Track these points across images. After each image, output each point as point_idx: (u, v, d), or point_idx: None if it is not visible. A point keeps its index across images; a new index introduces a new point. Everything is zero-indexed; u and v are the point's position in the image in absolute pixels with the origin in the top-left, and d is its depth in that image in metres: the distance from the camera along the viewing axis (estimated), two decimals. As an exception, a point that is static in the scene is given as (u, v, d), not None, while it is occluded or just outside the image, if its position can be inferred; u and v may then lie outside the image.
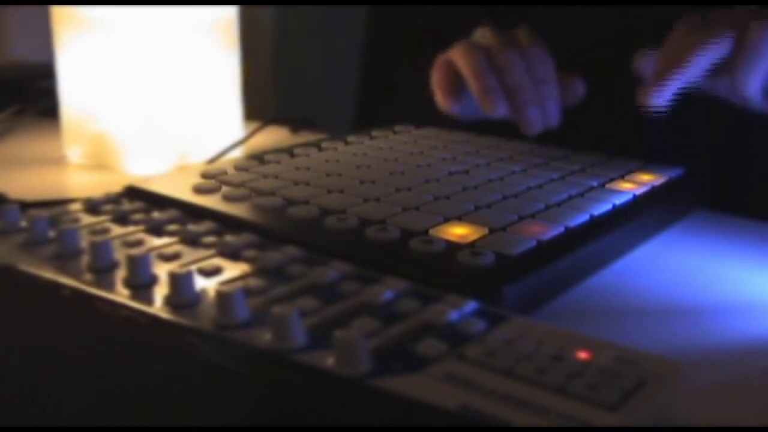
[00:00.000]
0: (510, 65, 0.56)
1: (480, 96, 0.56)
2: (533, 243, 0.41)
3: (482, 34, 0.59)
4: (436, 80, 0.61)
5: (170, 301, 0.35)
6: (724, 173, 0.56)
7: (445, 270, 0.39)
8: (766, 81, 0.48)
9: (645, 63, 0.52)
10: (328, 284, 0.36)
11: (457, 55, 0.59)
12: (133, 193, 0.50)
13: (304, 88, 1.25)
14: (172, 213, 0.46)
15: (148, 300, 0.36)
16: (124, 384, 0.28)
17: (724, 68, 0.49)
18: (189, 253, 0.41)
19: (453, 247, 0.40)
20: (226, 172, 0.54)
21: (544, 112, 0.56)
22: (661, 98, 0.49)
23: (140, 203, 0.48)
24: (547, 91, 0.56)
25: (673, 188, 0.53)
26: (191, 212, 0.46)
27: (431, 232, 0.42)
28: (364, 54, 0.91)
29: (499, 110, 0.55)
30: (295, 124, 0.78)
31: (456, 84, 0.60)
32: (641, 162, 0.56)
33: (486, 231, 0.43)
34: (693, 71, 0.48)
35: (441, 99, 0.61)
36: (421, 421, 0.26)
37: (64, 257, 0.40)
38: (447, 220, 0.44)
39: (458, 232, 0.42)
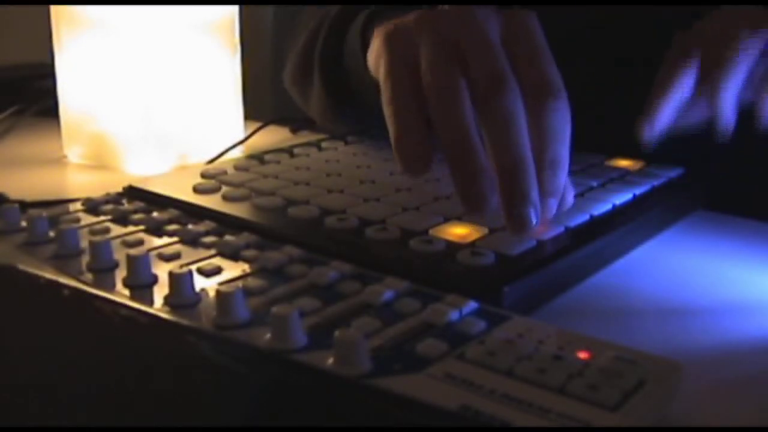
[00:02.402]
0: (505, 125, 0.38)
1: (463, 187, 0.39)
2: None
3: (457, 22, 0.41)
4: (395, 121, 0.42)
5: (170, 301, 0.35)
6: (724, 173, 0.56)
7: (445, 270, 0.39)
8: (738, 98, 0.48)
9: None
10: (328, 284, 0.37)
11: (425, 76, 0.40)
12: (133, 193, 0.50)
13: (304, 88, 1.24)
14: (172, 213, 0.46)
15: (148, 300, 0.36)
16: (124, 384, 0.28)
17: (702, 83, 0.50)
18: (189, 253, 0.41)
19: (453, 247, 0.40)
20: (225, 172, 0.54)
21: (544, 206, 0.40)
22: (651, 132, 0.49)
23: (140, 203, 0.48)
24: (557, 175, 0.40)
25: (673, 188, 0.53)
26: (191, 212, 0.46)
27: (431, 232, 0.42)
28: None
29: (490, 210, 0.39)
30: (295, 124, 0.78)
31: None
32: (641, 162, 0.56)
33: (486, 231, 0.43)
34: (674, 103, 0.49)
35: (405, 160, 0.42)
36: (421, 421, 0.26)
37: (64, 257, 0.40)
38: (447, 220, 0.44)
39: (458, 232, 0.42)
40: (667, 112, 0.49)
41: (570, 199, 0.43)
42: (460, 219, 0.44)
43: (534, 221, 0.38)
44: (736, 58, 0.47)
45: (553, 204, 0.41)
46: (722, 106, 0.48)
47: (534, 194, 0.38)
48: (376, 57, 0.46)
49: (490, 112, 0.39)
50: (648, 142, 0.49)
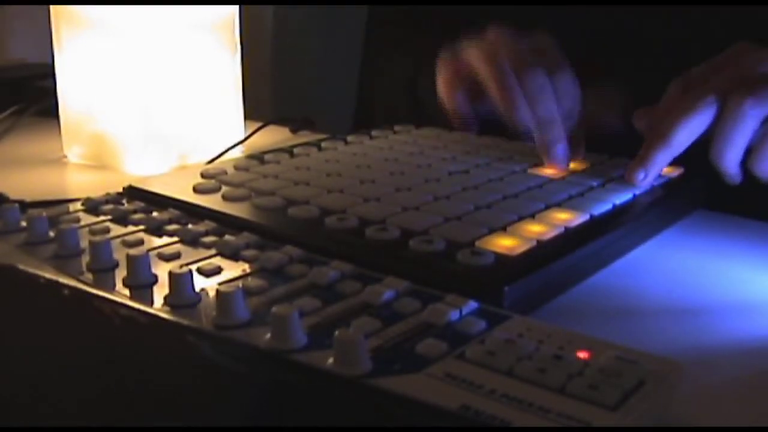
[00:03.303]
0: (539, 94, 0.54)
1: (505, 105, 0.55)
2: (533, 243, 0.41)
3: (498, 39, 0.57)
4: (448, 85, 0.61)
5: (170, 301, 0.35)
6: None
7: (445, 270, 0.39)
8: (743, 153, 0.48)
9: (641, 121, 0.53)
10: (328, 284, 0.37)
11: (475, 61, 0.57)
12: (133, 193, 0.50)
13: (304, 88, 1.25)
14: (172, 213, 0.46)
15: (148, 300, 0.36)
16: (123, 384, 0.28)
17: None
18: (189, 253, 0.41)
19: (453, 247, 0.40)
20: (225, 172, 0.54)
21: (572, 147, 0.55)
22: (646, 177, 0.50)
23: (140, 203, 0.48)
24: (575, 126, 0.55)
25: (673, 188, 0.53)
26: (191, 212, 0.46)
27: (431, 232, 0.42)
28: (363, 54, 0.91)
29: (526, 120, 0.54)
30: (295, 124, 0.78)
31: (471, 90, 0.59)
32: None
33: (485, 230, 0.43)
34: (676, 148, 0.49)
35: (450, 105, 0.61)
36: (421, 421, 0.26)
37: (64, 257, 0.40)
38: (447, 220, 0.44)
39: (458, 232, 0.42)
40: (664, 161, 0.50)
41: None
42: (460, 219, 0.44)
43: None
44: (745, 117, 0.47)
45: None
46: (724, 162, 0.48)
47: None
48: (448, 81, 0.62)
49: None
50: (639, 187, 0.50)
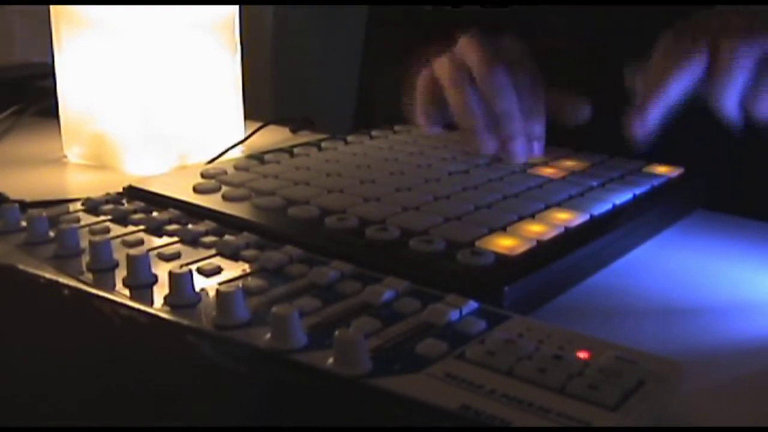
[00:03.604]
0: (498, 91, 0.55)
1: (464, 128, 0.56)
2: (533, 243, 0.41)
3: (467, 48, 0.57)
4: (419, 97, 0.61)
5: (170, 301, 0.35)
6: (724, 173, 0.56)
7: (445, 270, 0.39)
8: (741, 95, 0.48)
9: (632, 81, 0.53)
10: (328, 284, 0.37)
11: (442, 77, 0.58)
12: (133, 193, 0.50)
13: (304, 88, 1.25)
14: (172, 213, 0.46)
15: (148, 300, 0.36)
16: (123, 384, 0.28)
17: (703, 81, 0.49)
18: (189, 253, 0.41)
19: (453, 247, 0.40)
20: (225, 172, 0.54)
21: (530, 143, 0.56)
22: (644, 127, 0.50)
23: (140, 203, 0.48)
24: (535, 122, 0.56)
25: (673, 188, 0.53)
26: (191, 212, 0.46)
27: (431, 232, 0.42)
28: (363, 54, 0.91)
29: (488, 150, 0.56)
30: (295, 124, 0.78)
31: (439, 102, 0.60)
32: (641, 162, 0.56)
33: (485, 230, 0.43)
34: (670, 96, 0.49)
35: (420, 115, 0.62)
36: (421, 421, 0.26)
37: (64, 257, 0.40)
38: (447, 220, 0.44)
39: (458, 232, 0.42)
40: (661, 109, 0.49)
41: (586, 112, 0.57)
42: (460, 219, 0.44)
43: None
44: (738, 61, 0.47)
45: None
46: (728, 108, 0.48)
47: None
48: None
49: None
50: (638, 139, 0.50)
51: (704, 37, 0.49)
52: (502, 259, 0.39)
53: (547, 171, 0.54)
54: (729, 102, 0.48)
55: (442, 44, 0.60)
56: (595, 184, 0.51)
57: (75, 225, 0.43)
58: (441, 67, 0.58)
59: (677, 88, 0.49)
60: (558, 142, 0.59)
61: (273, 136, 0.75)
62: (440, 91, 0.59)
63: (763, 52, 0.48)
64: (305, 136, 0.75)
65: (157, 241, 0.43)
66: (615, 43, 0.62)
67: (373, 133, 0.66)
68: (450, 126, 0.64)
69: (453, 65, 0.57)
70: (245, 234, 0.42)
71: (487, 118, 0.56)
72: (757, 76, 0.48)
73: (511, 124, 0.55)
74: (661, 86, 0.49)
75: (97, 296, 0.34)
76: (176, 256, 0.40)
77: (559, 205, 0.47)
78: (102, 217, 0.46)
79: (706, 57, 0.49)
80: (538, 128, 0.57)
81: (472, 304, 0.34)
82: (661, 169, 0.55)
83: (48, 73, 0.70)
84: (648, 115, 0.49)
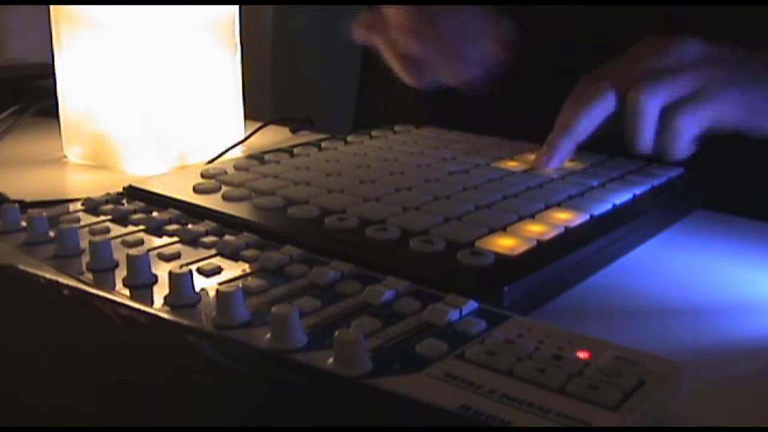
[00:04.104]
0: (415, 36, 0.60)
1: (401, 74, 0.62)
2: (533, 243, 0.41)
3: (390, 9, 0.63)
4: (389, 60, 0.66)
5: (170, 301, 0.35)
6: (724, 173, 0.56)
7: (445, 270, 0.39)
8: (653, 137, 0.50)
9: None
10: (328, 284, 0.37)
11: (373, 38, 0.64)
12: (133, 193, 0.50)
13: (304, 88, 1.25)
14: (172, 213, 0.46)
15: (148, 300, 0.36)
16: (123, 384, 0.28)
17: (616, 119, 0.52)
18: (189, 253, 0.41)
19: (453, 247, 0.40)
20: (225, 172, 0.54)
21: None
22: (552, 164, 0.54)
23: (140, 203, 0.48)
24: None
25: (673, 188, 0.53)
26: (191, 212, 0.46)
27: (431, 231, 0.42)
28: (363, 54, 0.91)
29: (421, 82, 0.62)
30: (295, 124, 0.78)
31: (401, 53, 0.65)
32: (641, 162, 0.56)
33: (485, 230, 0.43)
34: (579, 136, 0.53)
35: (406, 78, 0.65)
36: (421, 421, 0.26)
37: (64, 257, 0.40)
38: (447, 220, 0.44)
39: (458, 231, 0.42)
40: (569, 149, 0.53)
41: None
42: (459, 219, 0.44)
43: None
44: (645, 104, 0.49)
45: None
46: (642, 148, 0.51)
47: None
48: None
49: None
50: (542, 171, 0.53)
51: (615, 80, 0.51)
52: (502, 259, 0.39)
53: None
54: (640, 146, 0.51)
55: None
56: (595, 184, 0.51)
57: (75, 225, 0.43)
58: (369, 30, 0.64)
59: (584, 127, 0.52)
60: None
61: (273, 136, 0.75)
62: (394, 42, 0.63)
63: (668, 98, 0.49)
64: (305, 136, 0.75)
65: (157, 241, 0.43)
66: (614, 43, 0.62)
67: (373, 133, 0.66)
68: (450, 126, 0.64)
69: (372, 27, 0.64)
70: (245, 234, 0.42)
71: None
72: (667, 121, 0.50)
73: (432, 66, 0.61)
74: (571, 127, 0.52)
75: (97, 296, 0.34)
76: (176, 256, 0.40)
77: (559, 205, 0.47)
78: (102, 217, 0.46)
79: (614, 99, 0.51)
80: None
81: (472, 304, 0.34)
82: (661, 169, 0.55)
83: (48, 73, 0.70)
84: (555, 153, 0.53)
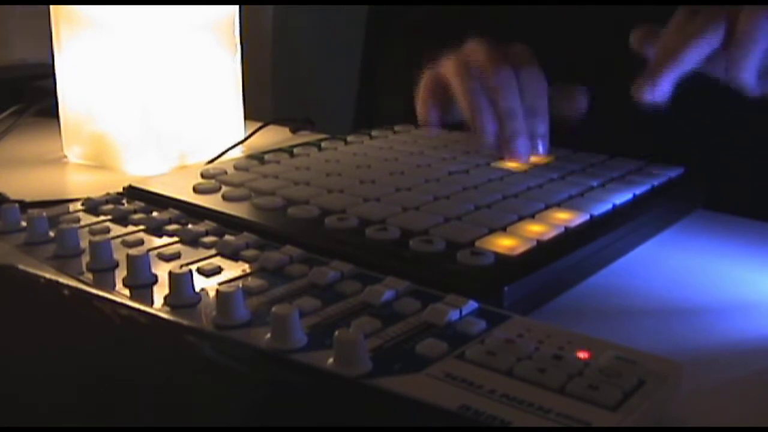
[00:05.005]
0: (502, 89, 0.55)
1: (471, 117, 0.56)
2: (533, 243, 0.41)
3: (474, 49, 0.58)
4: (423, 94, 0.61)
5: (170, 301, 0.35)
6: (724, 173, 0.56)
7: (445, 270, 0.39)
8: (761, 65, 0.47)
9: (641, 44, 0.53)
10: (328, 284, 0.37)
11: (448, 74, 0.58)
12: (133, 193, 0.50)
13: (304, 88, 1.25)
14: (172, 213, 0.46)
15: (148, 300, 0.36)
16: (124, 384, 0.28)
17: (718, 54, 0.49)
18: (189, 253, 0.41)
19: (453, 247, 0.40)
20: (225, 172, 0.54)
21: (533, 141, 0.56)
22: (655, 94, 0.49)
23: (140, 203, 0.48)
24: (539, 121, 0.56)
25: (673, 188, 0.53)
26: (191, 212, 0.46)
27: (431, 231, 0.42)
28: (363, 54, 0.91)
29: (489, 130, 0.55)
30: (295, 124, 0.78)
31: (442, 101, 0.60)
32: (641, 162, 0.56)
33: (485, 230, 0.43)
34: (686, 64, 0.49)
35: (422, 112, 0.61)
36: (421, 421, 0.26)
37: (64, 257, 0.40)
38: (447, 220, 0.44)
39: (458, 231, 0.42)
40: (673, 78, 0.49)
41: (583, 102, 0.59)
42: (459, 219, 0.44)
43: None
44: (758, 31, 0.47)
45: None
46: (743, 76, 0.47)
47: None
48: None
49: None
50: (646, 105, 0.49)
51: (724, 10, 0.48)
52: (502, 259, 0.39)
53: (547, 170, 0.54)
54: (747, 73, 0.47)
55: (445, 44, 0.60)
56: (595, 184, 0.51)
57: (75, 225, 0.43)
58: (447, 65, 0.58)
59: (693, 57, 0.48)
60: (558, 142, 0.59)
61: (273, 136, 0.75)
62: (444, 90, 0.59)
63: None
64: (305, 136, 0.75)
65: (157, 241, 0.43)
66: (614, 43, 0.62)
67: (373, 133, 0.66)
68: (450, 126, 0.64)
69: (460, 63, 0.58)
70: (245, 234, 0.42)
71: (491, 115, 0.55)
72: None
73: (513, 122, 0.55)
74: (677, 54, 0.48)
75: (97, 296, 0.34)
76: (176, 256, 0.40)
77: (559, 205, 0.47)
78: (102, 217, 0.46)
79: (724, 28, 0.48)
80: (542, 127, 0.56)
81: (472, 304, 0.34)
82: (661, 169, 0.55)
83: (48, 73, 0.70)
84: (660, 82, 0.49)
